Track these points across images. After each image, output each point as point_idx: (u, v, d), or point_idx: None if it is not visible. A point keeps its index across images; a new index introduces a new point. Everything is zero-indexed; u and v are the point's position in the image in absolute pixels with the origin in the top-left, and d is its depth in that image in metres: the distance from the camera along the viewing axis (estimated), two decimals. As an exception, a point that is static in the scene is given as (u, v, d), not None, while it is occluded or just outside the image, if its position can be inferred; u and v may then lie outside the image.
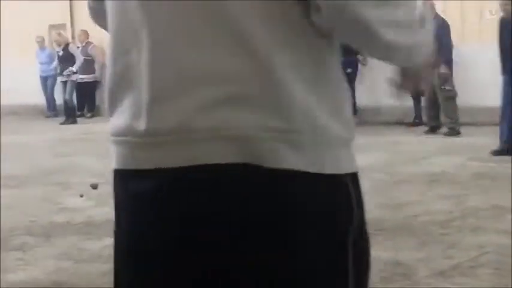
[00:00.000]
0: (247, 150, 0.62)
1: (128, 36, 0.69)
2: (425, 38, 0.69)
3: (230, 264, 0.64)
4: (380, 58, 0.73)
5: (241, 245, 0.63)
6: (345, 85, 0.71)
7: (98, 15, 0.81)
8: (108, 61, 0.74)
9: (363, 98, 7.75)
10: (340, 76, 0.70)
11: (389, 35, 0.63)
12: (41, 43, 10.80)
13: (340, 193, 0.67)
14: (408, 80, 0.80)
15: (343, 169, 0.67)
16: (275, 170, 0.62)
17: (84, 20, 8.45)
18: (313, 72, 0.66)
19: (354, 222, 0.68)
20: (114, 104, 0.72)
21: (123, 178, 0.71)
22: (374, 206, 3.39)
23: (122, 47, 0.71)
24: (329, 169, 0.65)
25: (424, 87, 0.90)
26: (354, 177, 0.69)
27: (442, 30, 6.29)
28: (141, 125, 0.65)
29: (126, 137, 0.69)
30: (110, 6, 0.72)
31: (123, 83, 0.70)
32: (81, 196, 4.19)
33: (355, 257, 0.67)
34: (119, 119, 0.70)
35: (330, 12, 0.61)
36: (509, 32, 5.28)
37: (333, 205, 0.66)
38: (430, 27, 0.70)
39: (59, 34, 10.20)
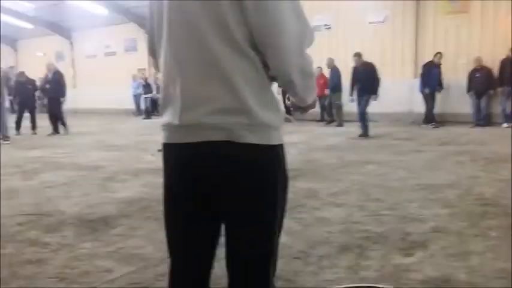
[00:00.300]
0: (229, 134, 1.31)
1: (170, 76, 1.40)
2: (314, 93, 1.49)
3: (218, 191, 1.38)
4: (298, 102, 1.51)
5: (229, 182, 1.35)
6: (277, 98, 1.40)
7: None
8: (161, 88, 1.46)
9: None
10: (273, 94, 1.38)
11: (305, 94, 1.44)
12: (134, 77, 18.47)
13: (276, 154, 1.39)
14: (304, 108, 1.56)
15: (277, 142, 1.38)
16: (243, 143, 1.31)
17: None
18: (262, 95, 1.33)
19: (281, 168, 1.42)
20: (164, 110, 1.45)
21: (167, 147, 1.45)
22: (298, 161, 6.65)
23: (167, 81, 1.41)
24: (270, 142, 1.36)
25: (309, 110, 1.59)
26: (282, 146, 1.41)
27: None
28: (176, 121, 1.37)
29: (169, 127, 1.42)
30: (161, 61, 1.44)
31: (168, 99, 1.42)
32: (152, 155, 7.36)
33: (281, 187, 1.42)
34: (166, 117, 1.43)
35: (280, 79, 1.37)
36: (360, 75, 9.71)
37: (271, 160, 1.38)
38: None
39: (143, 73, 18.35)
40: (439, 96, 11.70)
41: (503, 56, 10.98)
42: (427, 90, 11.42)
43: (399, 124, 11.95)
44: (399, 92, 12.16)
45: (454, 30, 12.02)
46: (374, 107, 9.97)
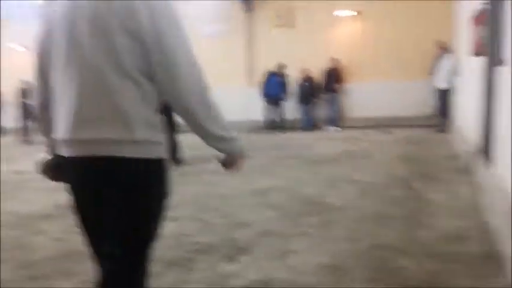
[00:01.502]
0: (115, 150, 1.52)
1: (62, 94, 1.58)
2: (237, 141, 1.70)
3: (106, 196, 1.57)
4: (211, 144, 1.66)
5: (111, 190, 1.56)
6: (160, 121, 1.61)
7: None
8: (50, 105, 1.66)
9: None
10: (157, 118, 1.60)
11: (208, 123, 1.60)
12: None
13: (157, 165, 1.61)
14: (231, 161, 1.72)
15: (158, 155, 1.60)
16: (128, 158, 1.53)
17: None
18: (147, 117, 1.55)
19: (163, 179, 1.64)
20: (50, 126, 1.70)
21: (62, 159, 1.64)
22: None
23: (59, 98, 1.59)
24: (152, 155, 1.57)
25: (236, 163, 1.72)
26: (163, 160, 1.61)
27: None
28: (67, 136, 1.56)
29: (60, 141, 1.62)
30: (51, 80, 1.63)
31: (56, 116, 1.64)
32: None
33: (160, 197, 1.66)
34: (56, 133, 1.63)
35: (178, 108, 1.59)
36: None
37: (152, 172, 1.60)
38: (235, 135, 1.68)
39: None
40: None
41: (327, 67, 12.12)
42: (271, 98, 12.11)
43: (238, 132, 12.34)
44: (235, 100, 12.54)
45: (283, 42, 12.88)
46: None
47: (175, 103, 1.58)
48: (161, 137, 1.62)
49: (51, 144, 1.76)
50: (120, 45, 1.48)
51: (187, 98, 1.55)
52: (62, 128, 1.60)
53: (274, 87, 12.05)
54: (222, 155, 1.73)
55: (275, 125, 12.15)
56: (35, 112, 1.81)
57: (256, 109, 12.37)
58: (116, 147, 1.53)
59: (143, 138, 1.55)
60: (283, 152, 8.44)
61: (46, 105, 1.71)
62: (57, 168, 1.76)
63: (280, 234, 3.76)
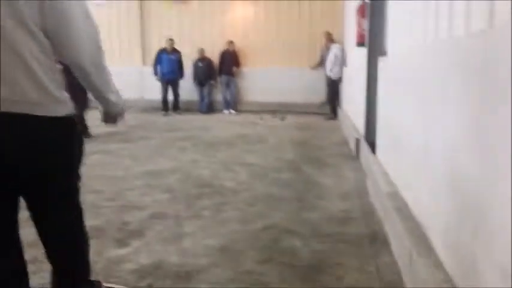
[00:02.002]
0: (28, 108, 1.63)
1: None
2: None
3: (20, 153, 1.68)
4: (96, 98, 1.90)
5: (30, 146, 1.69)
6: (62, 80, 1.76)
7: None
8: None
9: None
10: (60, 75, 1.75)
11: (102, 86, 1.84)
12: None
13: (68, 122, 1.79)
14: (111, 118, 2.00)
15: (66, 112, 1.76)
16: (40, 116, 1.66)
17: None
18: (52, 75, 1.69)
19: (74, 132, 1.85)
20: None
21: None
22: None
23: None
24: (61, 113, 1.73)
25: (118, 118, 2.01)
26: (72, 116, 1.80)
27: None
28: None
29: None
30: None
31: None
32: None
33: (76, 145, 1.88)
34: None
35: (72, 66, 1.73)
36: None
37: (65, 126, 1.78)
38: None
39: None
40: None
41: (223, 48, 12.09)
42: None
43: (131, 111, 11.92)
44: (129, 79, 12.06)
45: (176, 21, 12.59)
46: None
47: (71, 59, 1.72)
48: (65, 94, 1.79)
49: None
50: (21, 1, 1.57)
51: (83, 58, 1.71)
52: None
53: (167, 66, 11.62)
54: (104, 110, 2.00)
55: (171, 106, 11.86)
56: None
57: (151, 88, 11.99)
58: (28, 106, 1.65)
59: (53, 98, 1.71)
60: (178, 134, 8.30)
61: None
62: None
63: (174, 217, 3.69)
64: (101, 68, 1.79)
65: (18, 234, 1.90)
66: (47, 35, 1.64)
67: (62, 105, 1.76)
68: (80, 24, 1.68)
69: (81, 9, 1.70)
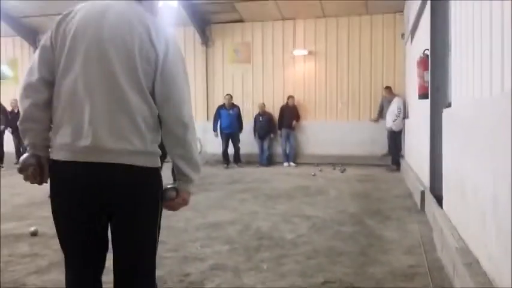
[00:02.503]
0: (129, 159, 1.78)
1: (77, 103, 1.77)
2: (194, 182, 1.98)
3: (118, 202, 1.81)
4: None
5: (127, 194, 1.81)
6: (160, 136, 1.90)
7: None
8: (57, 113, 1.83)
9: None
10: (159, 133, 1.89)
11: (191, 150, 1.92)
12: None
13: (159, 174, 1.91)
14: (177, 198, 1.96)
15: (157, 165, 1.88)
16: (140, 166, 1.81)
17: None
18: (154, 132, 1.85)
19: (161, 185, 1.93)
20: (59, 131, 1.83)
21: (66, 165, 1.81)
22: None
23: (70, 107, 1.79)
24: (156, 165, 1.88)
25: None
26: (159, 168, 1.90)
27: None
28: (82, 142, 1.77)
29: (71, 146, 1.78)
30: (62, 89, 1.81)
31: (67, 123, 1.80)
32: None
33: (160, 199, 1.92)
34: (64, 138, 1.81)
35: (174, 125, 1.87)
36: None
37: (157, 178, 1.91)
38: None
39: None
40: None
41: (282, 103, 12.34)
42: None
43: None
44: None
45: (239, 78, 13.07)
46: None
47: (175, 115, 1.85)
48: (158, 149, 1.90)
49: (38, 145, 1.87)
50: (140, 66, 1.77)
51: (185, 112, 1.87)
52: (69, 132, 1.77)
53: (226, 121, 11.89)
54: (173, 193, 1.95)
55: (232, 159, 12.08)
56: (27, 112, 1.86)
57: (213, 142, 12.30)
58: (131, 157, 1.79)
59: (151, 151, 1.85)
60: (238, 186, 8.39)
61: (48, 105, 1.85)
62: (40, 170, 1.88)
63: (233, 268, 3.68)
64: (193, 122, 1.91)
65: (105, 253, 1.95)
66: (156, 95, 1.82)
67: (159, 158, 1.89)
68: (183, 81, 1.87)
69: (183, 65, 1.89)
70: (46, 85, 1.84)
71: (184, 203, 1.98)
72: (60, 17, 1.89)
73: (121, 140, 1.77)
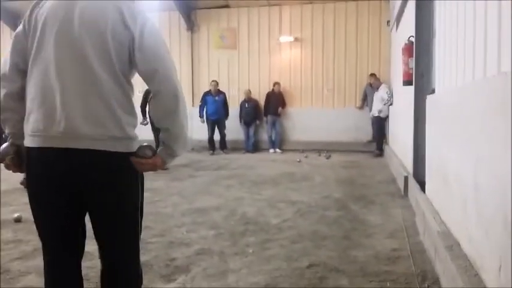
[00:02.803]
0: (103, 144, 1.75)
1: (47, 89, 1.74)
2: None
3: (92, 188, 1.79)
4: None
5: (97, 179, 1.78)
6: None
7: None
8: (29, 98, 1.80)
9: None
10: (135, 117, 1.88)
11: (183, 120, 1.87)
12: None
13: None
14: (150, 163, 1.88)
15: (133, 149, 1.83)
16: (115, 152, 1.77)
17: None
18: (128, 114, 1.82)
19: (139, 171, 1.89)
20: (30, 117, 1.81)
21: (38, 151, 1.79)
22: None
23: (42, 93, 1.75)
24: (132, 149, 1.83)
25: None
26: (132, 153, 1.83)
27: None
28: (54, 128, 1.74)
29: (41, 132, 1.76)
30: (32, 75, 1.78)
31: (37, 109, 1.77)
32: None
33: (141, 182, 1.94)
34: (35, 124, 1.78)
35: (165, 96, 1.82)
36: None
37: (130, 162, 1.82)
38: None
39: None
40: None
41: (268, 90, 12.33)
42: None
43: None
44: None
45: (225, 64, 13.00)
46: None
47: (167, 88, 1.81)
48: (134, 133, 1.87)
49: (16, 134, 1.88)
50: (113, 50, 1.75)
51: (177, 85, 1.82)
52: (41, 118, 1.74)
53: (212, 107, 11.83)
54: (148, 152, 1.87)
55: (217, 145, 12.06)
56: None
57: (199, 128, 12.26)
58: (106, 143, 1.76)
59: (127, 136, 1.82)
60: (224, 172, 8.41)
61: (21, 95, 1.83)
62: (19, 159, 1.89)
63: (219, 253, 3.70)
64: (183, 94, 1.87)
65: (84, 240, 1.97)
66: (142, 72, 1.81)
67: (135, 142, 1.86)
68: (166, 53, 1.84)
69: (163, 42, 1.86)
70: (20, 74, 1.84)
71: (154, 168, 1.88)
72: (33, 3, 1.88)
73: (96, 125, 1.74)
